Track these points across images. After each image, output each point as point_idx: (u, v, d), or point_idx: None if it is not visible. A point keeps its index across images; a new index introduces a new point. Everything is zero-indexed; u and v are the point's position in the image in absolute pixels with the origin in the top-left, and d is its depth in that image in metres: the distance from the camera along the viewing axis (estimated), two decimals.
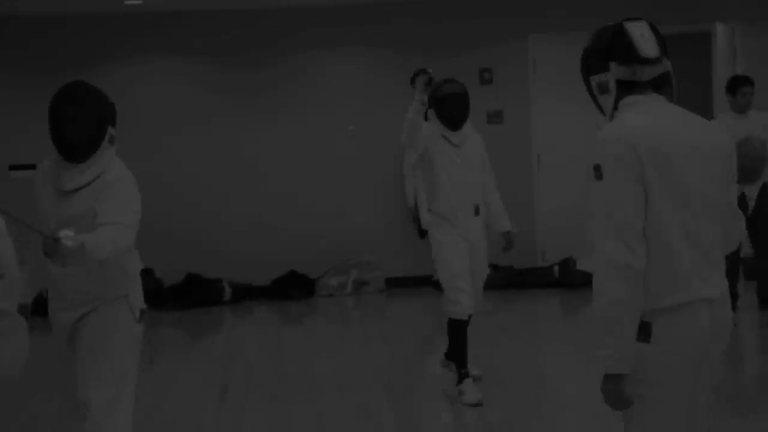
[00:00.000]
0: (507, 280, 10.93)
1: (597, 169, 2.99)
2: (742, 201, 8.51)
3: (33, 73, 11.13)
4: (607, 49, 3.14)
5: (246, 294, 10.97)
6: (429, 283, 11.20)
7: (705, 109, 8.78)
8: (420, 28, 11.33)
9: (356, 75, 11.41)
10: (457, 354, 6.41)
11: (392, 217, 11.37)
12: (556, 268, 10.96)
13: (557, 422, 6.06)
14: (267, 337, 9.12)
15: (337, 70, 11.37)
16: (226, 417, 6.36)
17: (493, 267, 10.99)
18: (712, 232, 3.06)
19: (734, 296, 8.68)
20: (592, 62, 3.18)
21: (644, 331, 2.96)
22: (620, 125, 3.05)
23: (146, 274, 10.60)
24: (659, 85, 3.17)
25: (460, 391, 6.32)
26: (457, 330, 6.42)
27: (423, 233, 10.98)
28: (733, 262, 8.51)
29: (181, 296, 10.72)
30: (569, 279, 10.69)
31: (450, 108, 6.38)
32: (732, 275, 8.52)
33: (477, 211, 6.49)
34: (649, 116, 3.07)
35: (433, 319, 9.36)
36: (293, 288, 10.98)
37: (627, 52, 3.11)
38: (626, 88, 3.14)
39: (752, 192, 8.62)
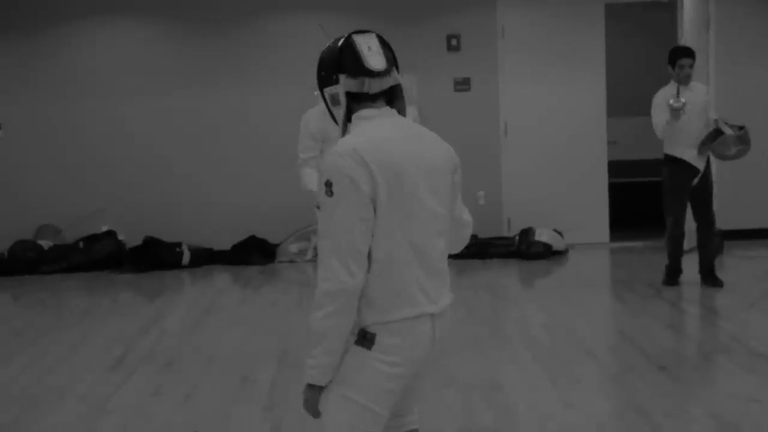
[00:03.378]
0: (469, 248, 10.84)
1: (327, 185, 2.92)
2: (694, 171, 8.48)
3: None
4: (337, 62, 3.08)
5: (205, 258, 10.95)
6: None
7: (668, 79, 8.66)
8: None
9: (318, 40, 11.26)
10: None
11: None
12: (517, 238, 10.90)
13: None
14: (198, 305, 9.03)
15: (299, 35, 11.26)
16: (107, 381, 6.34)
17: None
18: (438, 248, 3.07)
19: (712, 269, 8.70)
20: (325, 74, 3.12)
21: (366, 339, 2.97)
22: (352, 140, 2.98)
23: (108, 235, 10.76)
24: (391, 98, 3.14)
25: None
26: None
27: None
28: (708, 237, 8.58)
29: (140, 259, 10.69)
30: (527, 249, 10.61)
31: None
32: (711, 250, 8.62)
33: None
34: (381, 131, 3.03)
35: None
36: (253, 253, 10.94)
37: (355, 65, 3.04)
38: (357, 100, 3.09)
39: (700, 164, 8.55)
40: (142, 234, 10.94)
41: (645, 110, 8.94)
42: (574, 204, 11.37)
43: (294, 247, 11.08)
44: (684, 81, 8.58)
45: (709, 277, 8.72)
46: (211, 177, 11.26)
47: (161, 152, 11.23)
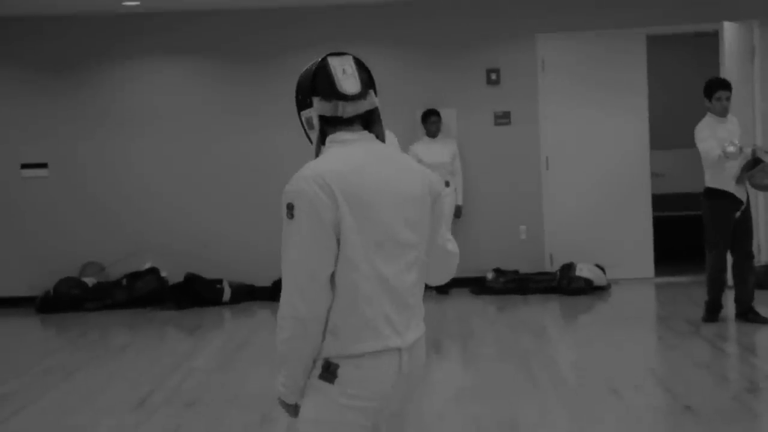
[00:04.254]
0: (508, 284, 10.77)
1: (289, 207, 2.88)
2: (737, 203, 8.32)
3: (33, 72, 11.30)
4: (311, 85, 3.03)
5: (245, 295, 10.98)
6: (428, 287, 11.11)
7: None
8: (427, 28, 11.23)
9: None
10: None
11: None
12: (558, 274, 10.78)
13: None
14: (233, 341, 9.05)
15: None
16: (127, 421, 6.36)
17: (496, 271, 10.94)
18: (408, 280, 2.99)
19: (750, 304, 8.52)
20: (300, 97, 3.07)
21: (329, 372, 2.91)
22: (320, 164, 2.92)
23: (151, 272, 10.86)
24: (369, 122, 3.08)
25: None
26: None
27: None
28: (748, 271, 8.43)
29: (181, 295, 10.77)
30: (568, 285, 10.48)
31: None
32: (751, 285, 8.45)
33: None
34: (352, 156, 2.96)
35: (430, 323, 9.29)
36: None
37: (328, 88, 2.99)
38: (332, 124, 3.03)
39: (741, 196, 8.39)
40: (184, 271, 11.02)
41: (689, 142, 8.78)
42: (617, 238, 11.22)
43: None
44: (722, 113, 8.45)
45: (750, 313, 8.54)
46: (253, 213, 11.30)
47: (203, 189, 11.32)
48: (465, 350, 8.18)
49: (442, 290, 10.99)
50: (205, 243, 11.23)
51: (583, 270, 10.59)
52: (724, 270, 8.58)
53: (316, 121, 3.02)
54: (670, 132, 12.40)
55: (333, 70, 3.00)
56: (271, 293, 10.95)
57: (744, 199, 8.43)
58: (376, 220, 2.90)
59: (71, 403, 6.87)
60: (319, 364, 2.92)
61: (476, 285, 10.96)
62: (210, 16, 11.16)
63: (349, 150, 2.98)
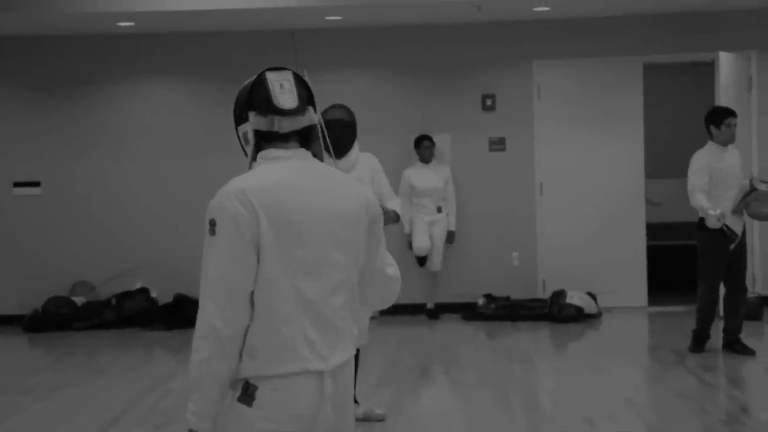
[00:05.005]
0: (499, 310, 10.69)
1: (212, 224, 2.82)
2: (728, 232, 8.22)
3: (26, 90, 11.33)
4: (248, 99, 2.99)
5: None
6: (422, 310, 11.07)
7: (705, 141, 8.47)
8: (422, 52, 11.20)
9: (358, 99, 11.25)
10: None
11: (388, 244, 11.18)
12: (549, 301, 10.70)
13: None
14: None
15: (335, 95, 11.25)
16: None
17: (488, 297, 10.87)
18: (334, 302, 2.92)
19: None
20: (238, 112, 3.02)
21: (247, 394, 2.84)
22: (244, 180, 2.88)
23: (141, 292, 10.83)
24: (307, 139, 3.04)
25: None
26: None
27: (422, 261, 10.91)
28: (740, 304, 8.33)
29: (170, 316, 10.73)
30: (559, 312, 10.40)
31: (332, 134, 6.19)
32: (741, 318, 8.35)
33: None
34: (280, 174, 2.91)
35: (417, 348, 9.24)
36: None
37: (264, 103, 2.96)
38: (268, 139, 2.98)
39: (737, 228, 8.29)
40: (176, 290, 10.98)
41: (684, 171, 8.64)
42: (611, 266, 11.13)
43: None
44: (730, 141, 8.34)
45: (738, 344, 8.44)
46: None
47: (194, 210, 11.21)
48: (445, 376, 8.11)
49: (433, 315, 10.93)
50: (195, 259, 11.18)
51: (574, 297, 10.51)
52: (715, 302, 8.47)
53: (251, 136, 2.98)
54: (667, 161, 12.32)
55: (270, 85, 2.96)
56: None
57: (739, 231, 8.31)
58: (300, 238, 2.85)
59: (42, 424, 6.84)
60: (237, 386, 2.86)
61: (467, 310, 10.89)
62: (204, 37, 11.16)
63: (278, 166, 2.93)
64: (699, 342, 8.49)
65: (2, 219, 11.37)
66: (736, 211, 8.28)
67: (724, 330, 8.50)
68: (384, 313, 11.10)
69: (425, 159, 10.94)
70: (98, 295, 11.18)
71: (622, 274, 11.15)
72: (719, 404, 6.75)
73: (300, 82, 3.02)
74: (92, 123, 11.36)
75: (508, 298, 10.96)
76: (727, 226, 8.18)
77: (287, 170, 2.93)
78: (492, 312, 10.71)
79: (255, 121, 2.97)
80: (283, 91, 2.97)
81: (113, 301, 10.94)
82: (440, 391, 7.58)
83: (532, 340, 9.63)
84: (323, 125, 5.93)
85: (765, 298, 10.51)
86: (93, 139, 11.35)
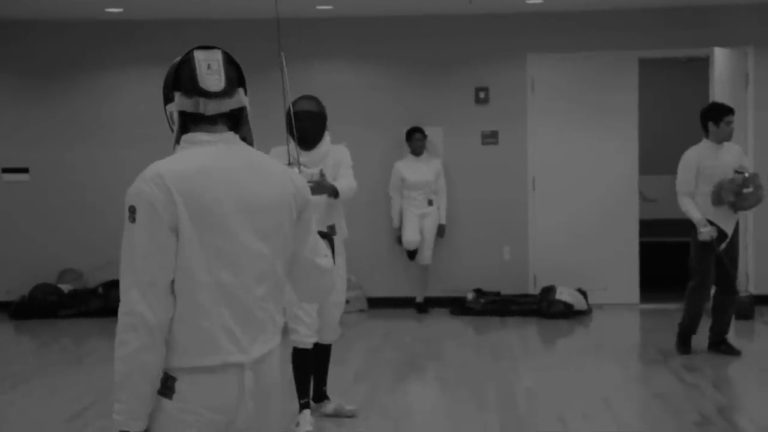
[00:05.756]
0: (488, 306, 10.60)
1: (131, 211, 2.72)
2: (721, 235, 8.08)
3: (16, 76, 11.27)
4: (174, 78, 2.88)
5: None
6: (412, 304, 10.98)
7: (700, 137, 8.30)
8: (416, 44, 11.09)
9: (350, 91, 11.20)
10: (296, 383, 6.19)
11: (377, 237, 11.14)
12: (539, 296, 10.60)
13: None
14: None
15: (327, 86, 11.18)
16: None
17: (477, 292, 10.77)
18: (256, 293, 2.82)
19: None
20: (165, 91, 2.91)
21: (167, 386, 2.75)
22: (163, 164, 2.77)
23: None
24: (236, 123, 2.93)
25: (296, 422, 6.10)
26: (297, 359, 6.19)
27: (412, 255, 10.81)
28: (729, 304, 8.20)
29: None
30: (548, 308, 10.30)
31: (301, 126, 6.10)
32: (729, 317, 8.22)
33: (331, 232, 6.18)
34: (201, 158, 2.80)
35: (401, 343, 9.15)
36: None
37: (190, 83, 2.84)
38: (194, 121, 2.87)
39: (729, 225, 8.16)
40: None
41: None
42: (603, 262, 11.02)
43: None
44: (728, 138, 8.17)
45: (724, 344, 8.33)
46: None
47: None
48: (424, 372, 8.03)
49: (422, 309, 10.84)
50: None
51: (563, 294, 10.40)
52: (703, 299, 8.32)
53: (176, 117, 2.87)
54: (661, 157, 12.19)
55: (197, 65, 2.85)
56: None
57: (729, 231, 8.17)
58: (220, 226, 2.75)
59: (6, 414, 6.76)
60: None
61: (456, 305, 10.79)
62: (197, 24, 11.07)
63: (201, 150, 2.82)
64: (685, 340, 8.34)
65: None
66: (716, 202, 8.13)
67: (711, 329, 8.38)
68: (373, 306, 11.05)
69: (416, 152, 10.83)
70: (86, 283, 11.12)
71: (614, 271, 11.04)
72: (695, 405, 6.63)
73: (230, 63, 2.90)
74: (82, 110, 11.29)
75: (498, 293, 10.87)
76: (716, 239, 8.06)
77: (210, 155, 2.82)
78: (481, 307, 10.62)
79: (180, 102, 2.86)
80: (210, 72, 2.85)
81: (100, 290, 10.88)
82: (417, 388, 7.50)
83: (519, 336, 9.52)
84: (292, 116, 5.91)
85: (757, 297, 10.38)
86: (82, 126, 11.28)
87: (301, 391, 6.17)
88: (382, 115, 11.13)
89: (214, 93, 2.85)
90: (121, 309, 2.71)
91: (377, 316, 10.76)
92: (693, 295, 8.25)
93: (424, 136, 10.86)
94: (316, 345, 6.36)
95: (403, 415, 6.55)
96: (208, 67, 2.86)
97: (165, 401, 2.75)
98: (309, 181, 5.83)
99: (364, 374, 7.81)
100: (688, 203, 8.11)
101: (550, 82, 11.06)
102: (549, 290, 10.50)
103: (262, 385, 2.85)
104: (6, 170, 11.29)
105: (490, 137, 11.16)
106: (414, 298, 11.03)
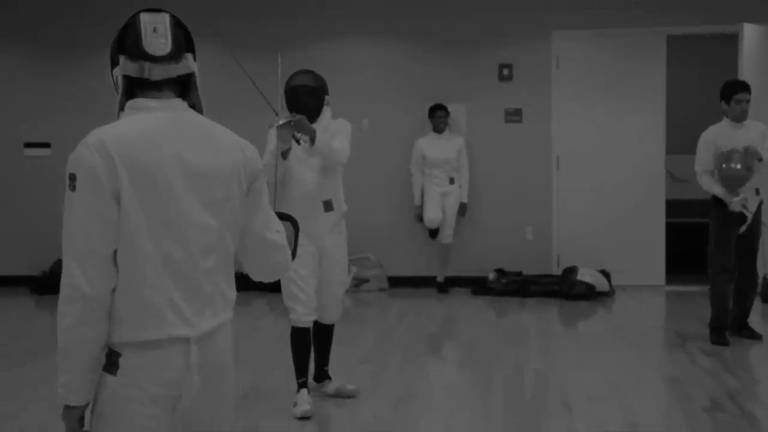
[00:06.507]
0: (509, 286, 10.45)
1: (71, 178, 2.62)
2: (741, 215, 7.87)
3: (39, 50, 11.27)
4: (119, 41, 2.76)
5: (245, 285, 10.65)
6: (432, 283, 10.86)
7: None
8: (439, 20, 10.95)
9: (370, 67, 11.08)
10: (294, 362, 6.09)
11: (398, 216, 11.03)
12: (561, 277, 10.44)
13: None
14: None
15: (350, 62, 11.07)
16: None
17: (499, 272, 10.63)
18: (203, 265, 2.72)
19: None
20: (111, 55, 2.79)
21: (111, 362, 2.66)
22: (105, 130, 2.66)
23: None
24: (186, 89, 2.81)
25: (294, 402, 6.00)
26: (295, 338, 6.08)
27: (433, 233, 10.68)
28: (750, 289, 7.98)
29: None
30: (569, 289, 10.13)
31: (297, 101, 5.99)
32: (750, 303, 8.00)
33: (327, 207, 6.08)
34: (145, 125, 2.69)
35: (416, 323, 9.05)
36: None
37: (135, 47, 2.73)
38: (140, 86, 2.76)
39: (753, 206, 7.94)
40: None
41: None
42: (628, 243, 10.84)
43: None
44: (740, 118, 7.93)
45: (745, 329, 8.12)
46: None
47: None
48: (435, 353, 7.90)
49: (443, 289, 10.72)
50: None
51: (585, 275, 10.24)
52: (727, 285, 7.97)
53: (120, 81, 2.75)
54: (689, 136, 11.89)
55: (142, 28, 2.72)
56: (273, 285, 10.70)
57: (753, 208, 7.95)
58: (165, 195, 2.65)
59: (7, 390, 6.74)
60: (103, 354, 2.68)
61: (477, 285, 10.66)
62: (217, 2, 11.00)
63: (145, 117, 2.71)
64: (719, 332, 7.99)
65: (12, 179, 11.35)
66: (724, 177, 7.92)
67: (731, 313, 8.16)
68: (393, 285, 10.94)
69: (439, 129, 10.69)
70: None
71: (639, 252, 10.86)
72: (707, 390, 6.45)
73: (178, 26, 2.77)
74: (105, 85, 11.19)
75: (519, 273, 10.72)
76: (737, 218, 7.86)
77: (155, 121, 2.71)
78: (502, 287, 10.48)
79: (124, 66, 2.73)
80: (156, 35, 2.72)
81: None
82: (424, 369, 7.36)
83: (538, 317, 9.36)
84: (291, 92, 5.82)
85: None
86: (105, 100, 11.17)
87: (299, 371, 6.07)
88: (405, 92, 11.01)
89: (160, 57, 2.73)
90: (62, 280, 2.63)
91: (397, 295, 10.66)
92: (716, 285, 7.95)
93: (447, 114, 10.71)
94: (317, 324, 6.27)
95: (405, 396, 6.43)
96: (154, 30, 2.73)
97: (109, 377, 2.67)
98: (293, 115, 5.76)
99: (373, 354, 7.71)
100: (708, 180, 7.91)
101: (576, 59, 10.87)
102: (571, 271, 10.34)
103: (210, 361, 2.76)
104: (28, 145, 11.31)
105: (514, 115, 10.99)
106: (435, 277, 10.91)
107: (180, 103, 2.79)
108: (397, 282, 11.03)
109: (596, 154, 10.88)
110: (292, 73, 6.09)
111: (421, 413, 6.06)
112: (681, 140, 11.84)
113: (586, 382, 6.78)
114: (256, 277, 3.00)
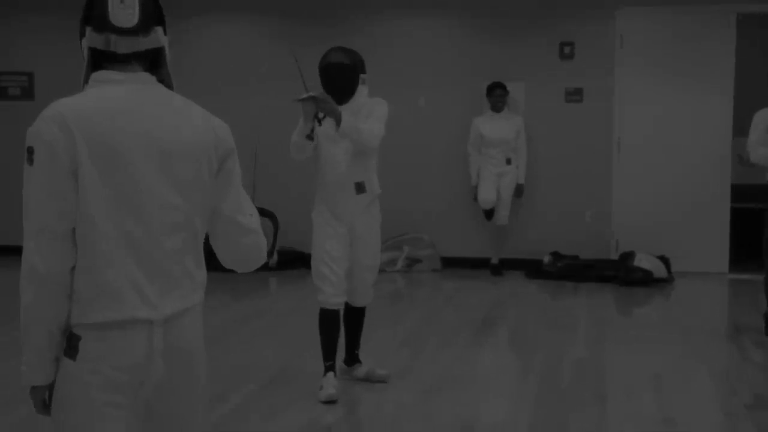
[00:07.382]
0: (564, 270, 10.20)
1: (29, 152, 2.50)
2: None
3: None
4: (86, 11, 2.64)
5: (292, 261, 10.58)
6: (487, 265, 10.65)
7: None
8: None
9: (428, 44, 10.87)
10: (322, 344, 5.94)
11: (453, 196, 10.83)
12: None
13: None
14: (254, 311, 8.80)
15: (408, 38, 10.88)
16: None
17: (554, 255, 10.39)
18: (168, 245, 2.58)
19: None
20: (80, 26, 2.68)
21: (71, 345, 2.56)
22: (66, 103, 2.53)
23: None
24: (156, 64, 2.68)
25: (320, 386, 5.86)
26: (323, 319, 5.93)
27: (489, 214, 10.47)
28: None
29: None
30: (626, 275, 9.84)
31: (330, 80, 5.82)
32: None
33: (359, 189, 5.91)
34: (108, 98, 2.56)
35: (463, 306, 8.88)
36: None
37: (100, 18, 2.60)
38: (107, 60, 2.63)
39: None
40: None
41: None
42: (690, 228, 10.50)
43: (384, 256, 10.68)
44: None
45: None
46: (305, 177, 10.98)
47: (247, 148, 10.87)
48: (476, 338, 7.69)
49: (497, 271, 10.52)
50: None
51: (643, 260, 9.93)
52: None
53: (87, 53, 2.64)
54: None
55: None
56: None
57: None
58: (126, 172, 2.52)
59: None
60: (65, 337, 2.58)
61: (531, 268, 10.43)
62: None
63: (109, 89, 2.59)
64: None
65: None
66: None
67: None
68: (447, 266, 10.76)
69: (497, 108, 10.45)
70: None
71: (702, 238, 10.52)
72: (752, 386, 6.18)
73: None
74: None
75: (576, 257, 10.46)
76: None
77: (120, 95, 2.58)
78: (557, 271, 10.23)
79: (90, 38, 2.62)
80: (123, 6, 2.60)
81: None
82: (462, 353, 7.16)
83: (590, 303, 9.10)
84: (323, 70, 5.68)
85: None
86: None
87: (327, 354, 5.93)
88: (462, 70, 10.79)
89: (127, 29, 2.60)
90: (23, 257, 2.53)
91: (450, 276, 10.48)
92: None
93: (506, 92, 10.47)
94: (348, 306, 6.13)
95: (436, 382, 6.27)
96: (122, 1, 2.61)
97: (68, 362, 2.56)
98: (318, 93, 5.60)
99: (414, 337, 7.55)
100: (764, 152, 7.57)
101: (641, 37, 10.53)
102: (628, 256, 10.05)
103: (176, 344, 2.62)
104: None
105: (575, 95, 10.70)
106: (489, 259, 10.70)
107: (147, 77, 2.66)
108: (450, 263, 10.84)
109: (659, 137, 10.55)
110: (327, 50, 5.93)
111: (448, 401, 5.88)
112: (749, 123, 11.41)
113: (627, 373, 6.55)
114: (228, 264, 2.86)
